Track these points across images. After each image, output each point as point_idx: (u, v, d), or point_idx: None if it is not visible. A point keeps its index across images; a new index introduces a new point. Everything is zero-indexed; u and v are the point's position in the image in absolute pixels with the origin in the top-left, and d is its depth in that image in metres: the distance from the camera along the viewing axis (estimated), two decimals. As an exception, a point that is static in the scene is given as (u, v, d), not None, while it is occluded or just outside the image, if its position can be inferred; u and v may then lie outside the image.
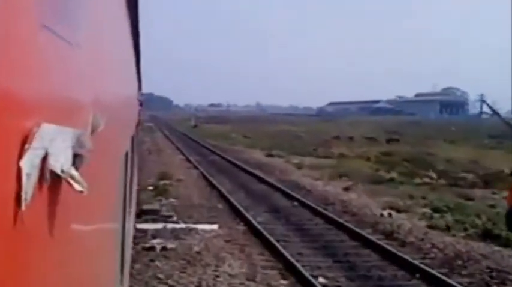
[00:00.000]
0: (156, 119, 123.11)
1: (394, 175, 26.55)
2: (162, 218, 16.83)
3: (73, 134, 1.12)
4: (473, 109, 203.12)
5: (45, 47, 1.03)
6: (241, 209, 17.93)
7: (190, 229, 15.46)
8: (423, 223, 16.40)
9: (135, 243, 12.31)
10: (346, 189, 22.14)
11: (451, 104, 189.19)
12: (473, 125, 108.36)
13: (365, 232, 14.89)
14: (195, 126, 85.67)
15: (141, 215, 16.68)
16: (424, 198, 20.59)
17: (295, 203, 19.53)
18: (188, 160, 33.65)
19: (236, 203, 18.85)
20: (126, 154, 4.77)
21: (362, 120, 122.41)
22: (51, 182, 0.99)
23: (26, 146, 0.85)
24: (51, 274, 1.15)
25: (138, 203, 17.87)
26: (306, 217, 17.54)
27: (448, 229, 15.52)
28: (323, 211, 17.86)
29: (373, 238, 14.31)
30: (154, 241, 13.98)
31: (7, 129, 0.78)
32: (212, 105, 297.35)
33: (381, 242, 13.84)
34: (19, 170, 0.81)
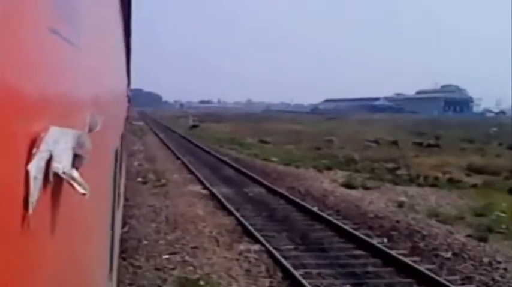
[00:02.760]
0: (147, 116, 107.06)
1: None
2: None
3: (74, 135, 1.08)
4: (475, 107, 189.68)
5: (52, 50, 1.01)
6: None
7: None
8: None
9: None
10: None
11: (455, 102, 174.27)
12: (489, 124, 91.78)
13: None
14: (194, 126, 68.93)
15: None
16: None
17: None
18: (217, 201, 17.46)
19: None
20: (116, 152, 4.45)
21: (371, 119, 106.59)
22: (53, 183, 0.97)
23: (34, 150, 0.84)
24: (54, 270, 1.14)
25: None
26: None
27: None
28: None
29: None
30: None
31: (15, 133, 0.77)
32: (202, 101, 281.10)
33: None
34: (27, 174, 0.80)
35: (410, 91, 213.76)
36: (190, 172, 24.78)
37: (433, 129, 73.73)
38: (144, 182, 20.58)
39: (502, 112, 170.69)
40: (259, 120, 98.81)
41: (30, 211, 0.80)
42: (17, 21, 0.73)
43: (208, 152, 34.92)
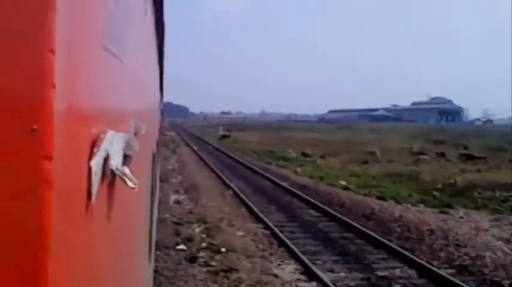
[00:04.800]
0: (177, 125, 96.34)
1: None
2: None
3: (124, 138, 1.07)
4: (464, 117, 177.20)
5: (106, 66, 1.02)
6: None
7: None
8: None
9: None
10: None
11: (447, 111, 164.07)
12: (496, 131, 78.93)
13: None
14: (225, 136, 57.57)
15: None
16: None
17: None
18: None
19: None
20: (153, 155, 4.29)
21: (380, 128, 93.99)
22: (109, 177, 0.98)
23: (95, 149, 0.86)
24: (110, 251, 1.14)
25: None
26: None
27: None
28: None
29: None
30: None
31: (81, 136, 0.79)
32: (223, 112, 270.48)
33: None
34: (89, 169, 0.82)
35: (402, 102, 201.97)
36: (256, 217, 13.44)
37: (448, 137, 61.37)
38: (192, 258, 9.19)
39: (489, 121, 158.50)
40: (278, 129, 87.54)
41: (93, 199, 0.82)
42: (79, 41, 0.74)
43: (257, 173, 23.50)
